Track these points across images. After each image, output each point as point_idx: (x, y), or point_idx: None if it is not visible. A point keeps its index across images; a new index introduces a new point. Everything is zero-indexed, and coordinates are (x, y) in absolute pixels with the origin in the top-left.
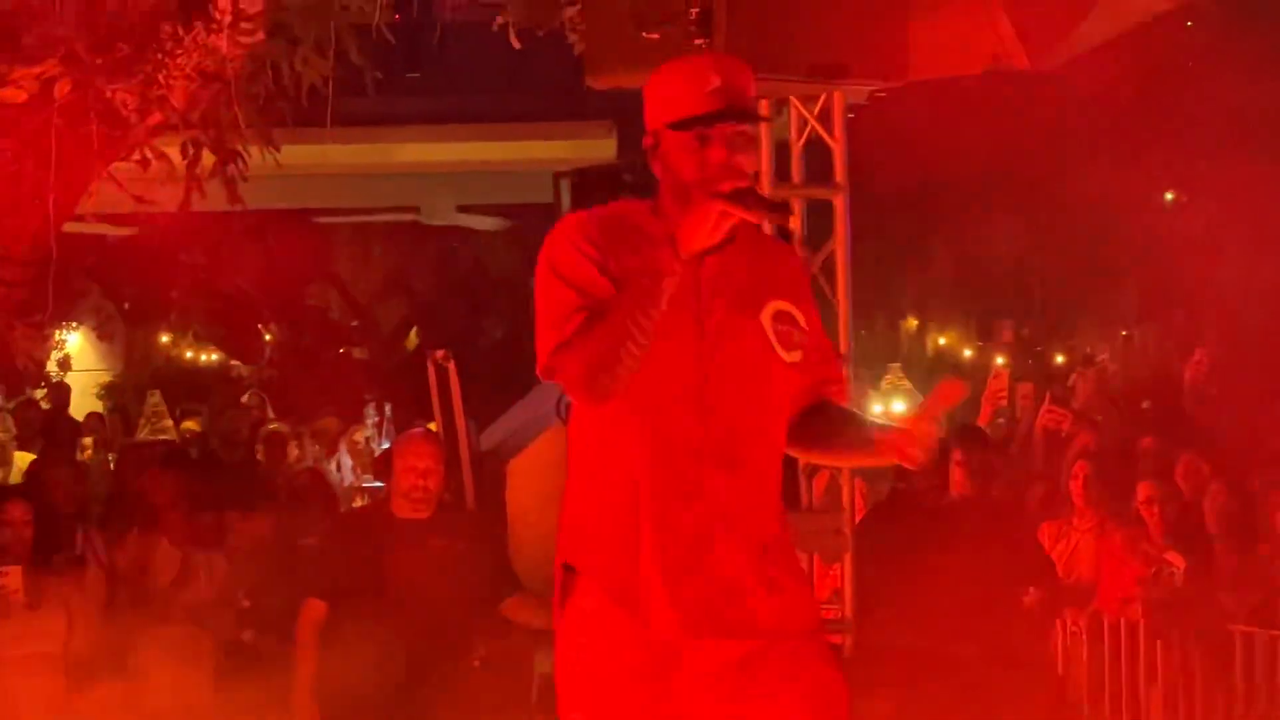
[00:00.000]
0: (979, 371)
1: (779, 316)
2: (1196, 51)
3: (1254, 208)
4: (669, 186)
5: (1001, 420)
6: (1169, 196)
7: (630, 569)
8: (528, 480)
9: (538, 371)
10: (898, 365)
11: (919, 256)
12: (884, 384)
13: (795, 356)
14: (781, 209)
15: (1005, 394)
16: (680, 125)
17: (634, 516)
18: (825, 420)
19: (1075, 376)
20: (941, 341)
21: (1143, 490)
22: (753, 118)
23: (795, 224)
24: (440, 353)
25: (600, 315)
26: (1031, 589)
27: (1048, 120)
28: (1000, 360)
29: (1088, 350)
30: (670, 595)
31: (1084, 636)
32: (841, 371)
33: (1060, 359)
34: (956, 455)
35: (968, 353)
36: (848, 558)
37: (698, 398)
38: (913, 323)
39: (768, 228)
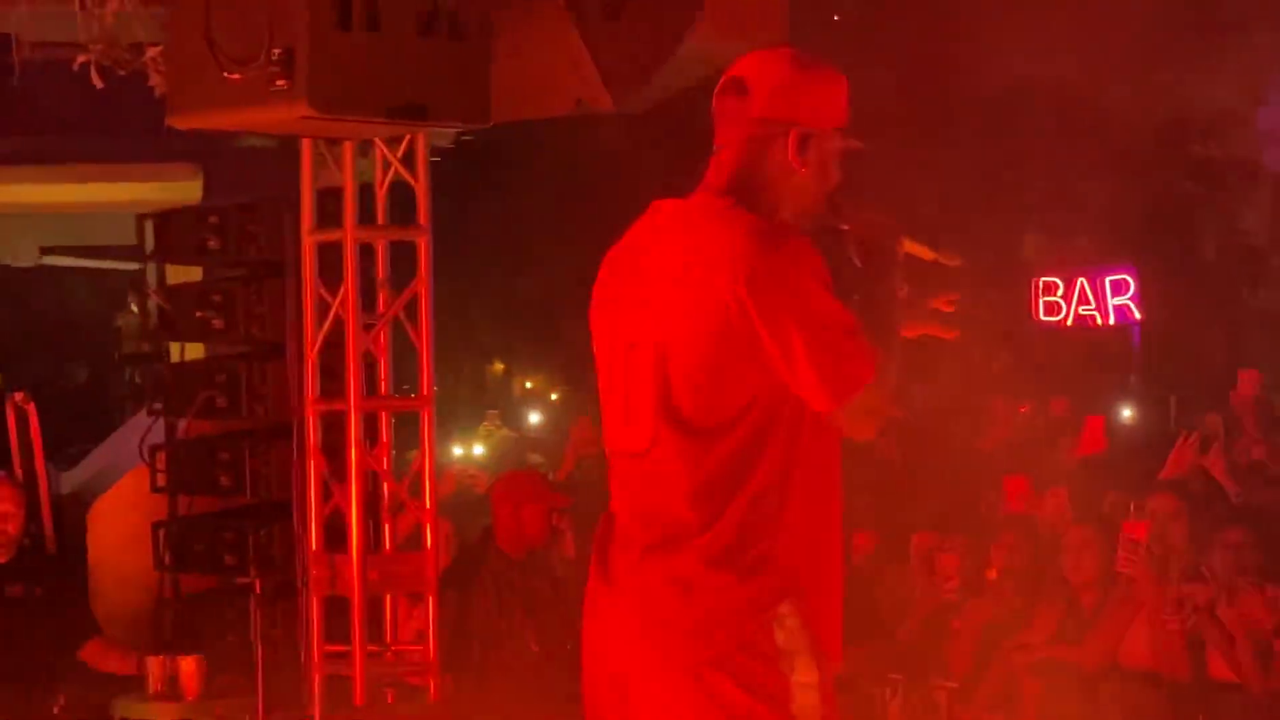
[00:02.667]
0: (570, 414)
1: None
2: None
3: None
4: (798, 189)
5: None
6: None
7: (832, 603)
8: (110, 523)
9: (838, 395)
10: (495, 412)
11: (505, 300)
12: (481, 429)
13: None
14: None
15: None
16: (845, 132)
17: (834, 547)
18: None
19: None
20: (528, 385)
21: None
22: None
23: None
24: (19, 395)
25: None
26: None
27: (635, 162)
28: None
29: None
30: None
31: None
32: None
33: None
34: None
35: (554, 396)
36: (432, 600)
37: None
38: (499, 366)
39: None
